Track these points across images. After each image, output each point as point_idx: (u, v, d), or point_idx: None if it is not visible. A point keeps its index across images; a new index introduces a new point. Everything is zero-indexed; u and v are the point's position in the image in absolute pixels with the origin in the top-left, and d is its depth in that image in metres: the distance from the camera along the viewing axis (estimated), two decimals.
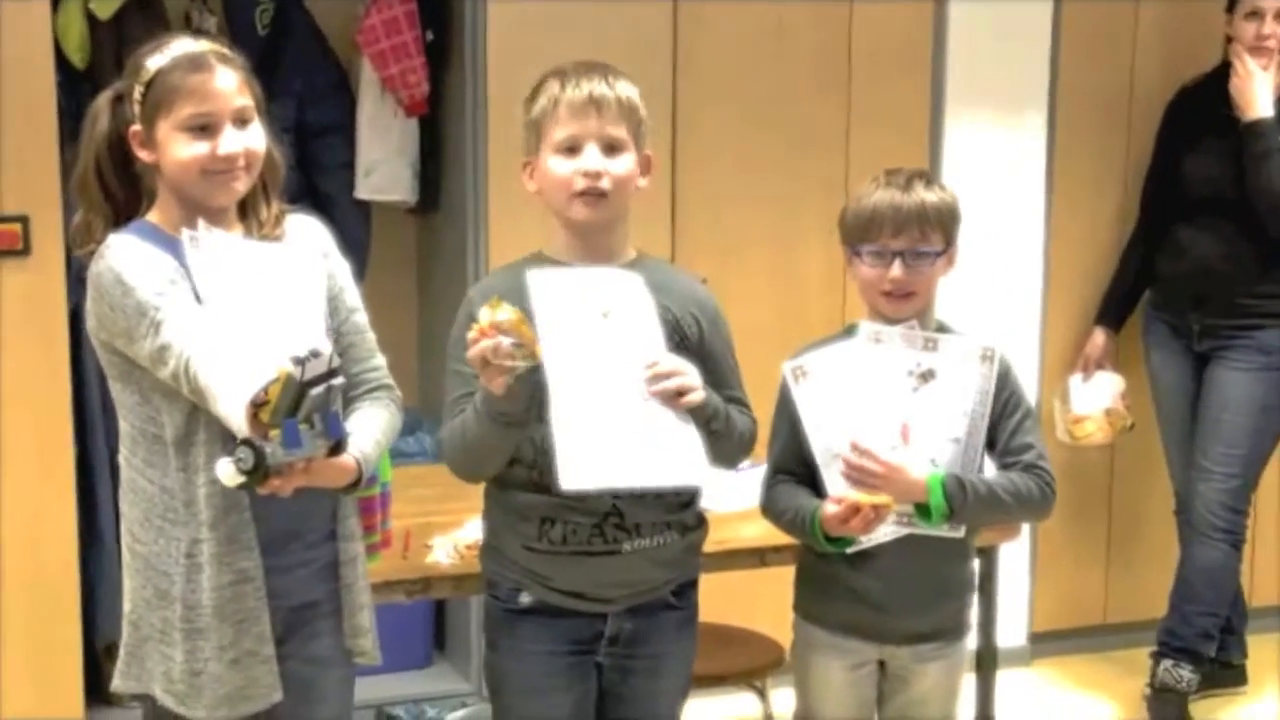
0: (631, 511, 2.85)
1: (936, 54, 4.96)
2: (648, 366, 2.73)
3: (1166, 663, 4.74)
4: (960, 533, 3.08)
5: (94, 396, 4.31)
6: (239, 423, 2.44)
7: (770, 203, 4.84)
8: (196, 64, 2.66)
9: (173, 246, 2.64)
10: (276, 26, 4.71)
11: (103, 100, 2.76)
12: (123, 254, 2.63)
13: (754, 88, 4.79)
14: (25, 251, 4.07)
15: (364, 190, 4.82)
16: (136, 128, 2.68)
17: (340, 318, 2.81)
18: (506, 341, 2.59)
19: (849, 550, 3.03)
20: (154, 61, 2.67)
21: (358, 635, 2.84)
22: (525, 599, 2.90)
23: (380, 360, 2.87)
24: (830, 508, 2.95)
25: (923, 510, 2.97)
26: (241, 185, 2.70)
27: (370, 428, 2.77)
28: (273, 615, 2.70)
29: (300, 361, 2.45)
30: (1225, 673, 5.03)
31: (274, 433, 2.45)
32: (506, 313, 2.60)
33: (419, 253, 5.20)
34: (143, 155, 2.69)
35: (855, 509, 2.92)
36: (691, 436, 2.75)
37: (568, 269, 2.81)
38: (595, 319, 2.73)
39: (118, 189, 2.73)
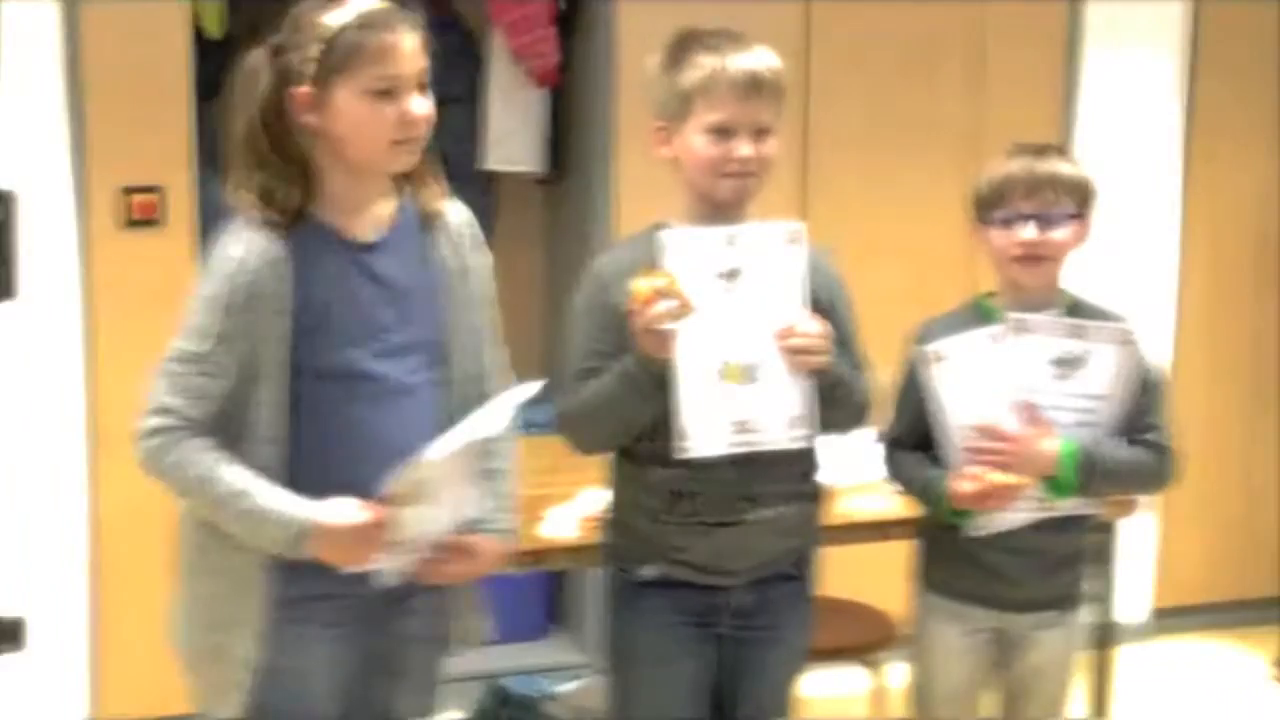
0: (757, 482, 2.86)
1: (1072, 23, 4.89)
2: (782, 326, 2.76)
3: None
4: (1097, 509, 3.09)
5: None
6: None
7: (902, 169, 4.79)
8: (383, 23, 2.49)
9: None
10: None
11: (260, 55, 2.54)
12: None
13: (888, 53, 4.75)
14: (161, 221, 4.14)
15: (493, 160, 4.83)
16: (305, 89, 2.49)
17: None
18: (669, 304, 2.65)
19: (979, 534, 3.04)
20: (334, 18, 2.48)
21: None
22: (649, 571, 2.91)
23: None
24: (966, 485, 2.96)
25: (1051, 484, 2.98)
26: (416, 155, 2.59)
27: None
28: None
29: None
30: None
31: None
32: (661, 278, 2.67)
33: (545, 223, 5.22)
34: (308, 119, 2.51)
35: (990, 489, 2.93)
36: (806, 399, 2.79)
37: (700, 229, 2.81)
38: (720, 280, 2.75)
39: (289, 150, 2.53)
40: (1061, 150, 3.15)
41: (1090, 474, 2.96)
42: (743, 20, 3.02)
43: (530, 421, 3.93)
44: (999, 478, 2.94)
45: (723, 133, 2.79)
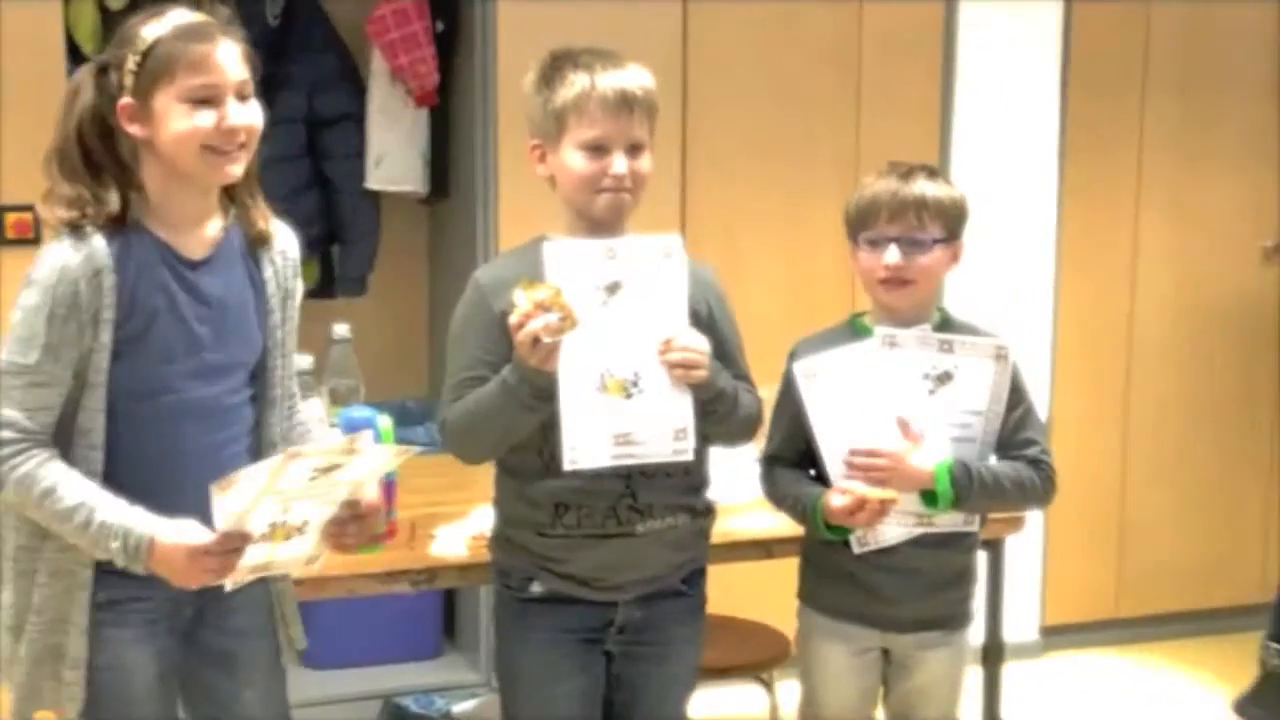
0: (644, 493, 2.86)
1: (947, 40, 4.96)
2: (662, 340, 2.76)
3: None
4: (974, 526, 3.10)
5: None
6: None
7: (780, 187, 4.83)
8: (198, 33, 2.55)
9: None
10: (287, 16, 4.72)
11: (85, 72, 2.61)
12: None
13: (764, 72, 4.79)
14: (37, 240, 4.07)
15: (375, 180, 4.82)
16: (127, 100, 2.54)
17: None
18: (552, 318, 2.63)
19: (857, 551, 3.05)
20: (151, 30, 2.54)
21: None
22: (537, 588, 2.90)
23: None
24: (836, 499, 2.96)
25: (929, 497, 2.98)
26: (239, 165, 2.60)
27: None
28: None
29: None
30: None
31: None
32: (545, 290, 2.65)
33: (429, 241, 5.20)
34: (133, 130, 2.55)
35: (862, 502, 2.93)
36: (689, 412, 2.79)
37: (583, 241, 2.81)
38: (601, 293, 2.75)
39: (108, 164, 2.58)
40: (932, 171, 3.10)
41: (967, 487, 2.97)
42: (620, 40, 3.03)
43: (408, 440, 3.92)
44: (871, 492, 2.94)
45: (597, 149, 2.80)
